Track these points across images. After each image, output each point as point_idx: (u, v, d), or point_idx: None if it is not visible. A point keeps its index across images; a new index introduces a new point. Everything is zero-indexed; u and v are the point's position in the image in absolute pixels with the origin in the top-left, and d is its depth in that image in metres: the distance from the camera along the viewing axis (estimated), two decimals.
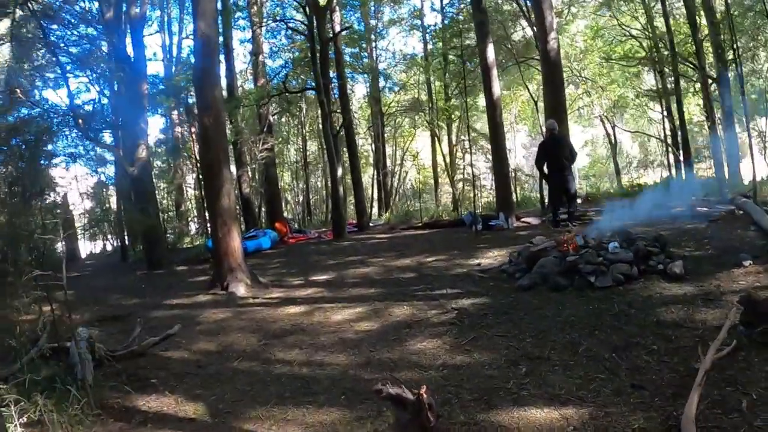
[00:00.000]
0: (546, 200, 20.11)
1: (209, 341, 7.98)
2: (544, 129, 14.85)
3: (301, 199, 38.17)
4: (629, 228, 10.29)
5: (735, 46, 15.56)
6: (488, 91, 16.41)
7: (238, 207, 26.94)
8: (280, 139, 35.82)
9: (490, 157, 29.05)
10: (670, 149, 27.09)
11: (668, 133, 27.31)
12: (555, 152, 13.86)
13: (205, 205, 16.61)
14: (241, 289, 11.13)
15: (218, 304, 10.42)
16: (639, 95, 29.41)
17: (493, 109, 16.40)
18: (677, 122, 23.80)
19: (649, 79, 30.95)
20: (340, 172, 19.89)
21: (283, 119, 36.48)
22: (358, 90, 38.14)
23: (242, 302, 10.38)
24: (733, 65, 22.36)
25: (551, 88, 16.86)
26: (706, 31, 21.38)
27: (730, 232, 10.38)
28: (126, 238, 25.22)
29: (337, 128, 21.24)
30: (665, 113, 27.52)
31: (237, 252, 11.69)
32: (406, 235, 17.99)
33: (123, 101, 19.03)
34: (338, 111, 22.45)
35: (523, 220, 16.45)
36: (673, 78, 24.78)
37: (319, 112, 22.28)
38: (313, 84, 20.08)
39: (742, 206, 12.84)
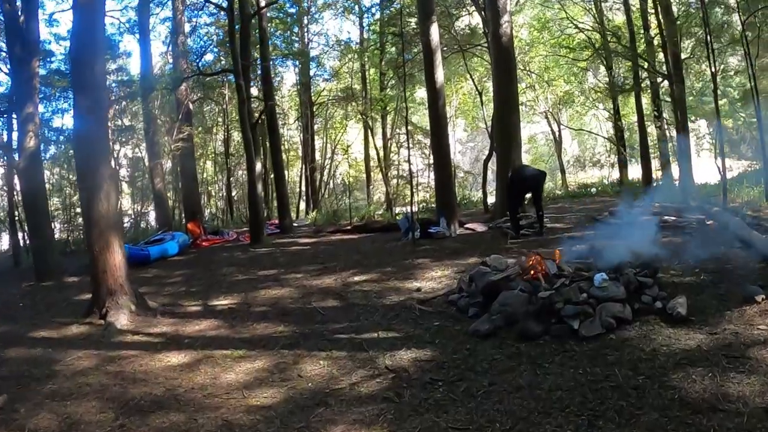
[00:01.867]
0: (490, 201, 18.19)
1: (52, 413, 5.47)
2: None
3: (224, 194, 35.36)
4: (599, 245, 8.50)
5: (709, 39, 13.83)
6: (430, 77, 14.29)
7: (150, 205, 24.49)
8: (200, 128, 33.02)
9: (427, 152, 27.21)
10: (621, 149, 25.57)
11: (619, 132, 25.88)
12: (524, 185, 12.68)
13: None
14: (122, 319, 8.64)
15: (89, 342, 7.88)
16: (591, 90, 27.81)
17: (435, 98, 14.31)
18: (634, 120, 22.27)
19: (594, 77, 29.59)
20: (258, 166, 17.45)
21: (208, 107, 33.67)
22: (289, 78, 35.66)
23: (118, 339, 7.90)
24: (685, 65, 21.09)
25: (503, 76, 14.87)
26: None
27: (715, 250, 8.61)
28: (21, 240, 22.24)
29: (257, 116, 18.71)
30: (613, 111, 26.07)
31: (118, 270, 9.16)
32: (333, 240, 15.80)
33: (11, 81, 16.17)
34: (261, 98, 19.97)
35: (467, 226, 14.41)
36: (621, 74, 23.45)
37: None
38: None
39: (718, 218, 11.36)
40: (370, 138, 30.18)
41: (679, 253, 8.66)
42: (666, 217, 12.21)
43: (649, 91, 22.79)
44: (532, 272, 7.10)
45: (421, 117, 34.68)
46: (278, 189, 19.88)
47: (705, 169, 23.88)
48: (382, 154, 29.08)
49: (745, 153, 29.19)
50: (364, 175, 32.06)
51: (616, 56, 22.62)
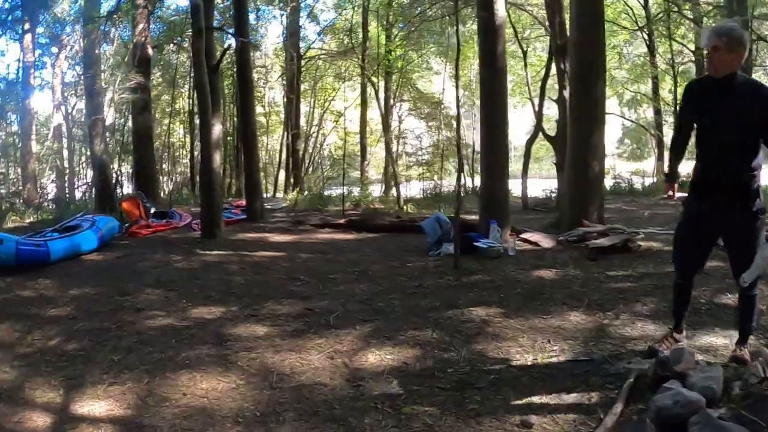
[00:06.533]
0: (531, 195, 13.26)
1: None
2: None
3: (188, 162, 29.90)
4: None
5: None
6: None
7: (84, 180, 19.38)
8: (162, 80, 27.68)
9: (431, 125, 22.55)
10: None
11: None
12: (726, 115, 4.15)
13: None
14: None
15: None
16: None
17: (493, 37, 9.29)
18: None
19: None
20: (218, 128, 12.27)
21: (180, 57, 28.15)
22: (274, 32, 30.64)
23: None
24: None
25: (587, 27, 10.23)
26: None
27: None
28: None
29: (219, 55, 13.31)
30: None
31: None
32: (318, 240, 10.90)
33: None
34: (228, 31, 14.61)
35: (525, 237, 9.47)
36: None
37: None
38: None
39: None
40: (374, 103, 24.73)
41: None
42: None
43: None
44: None
45: (426, 84, 29.82)
46: (247, 162, 14.71)
47: None
48: (381, 122, 23.71)
49: None
50: (357, 148, 26.47)
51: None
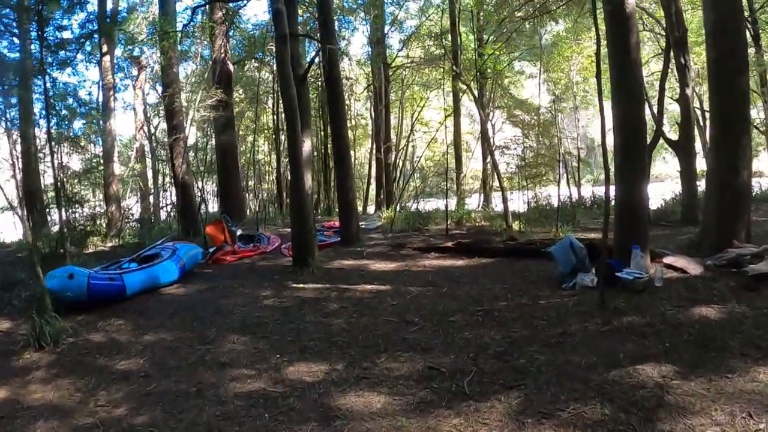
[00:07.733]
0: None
1: None
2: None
3: (275, 176, 29.24)
4: None
5: None
6: None
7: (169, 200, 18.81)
8: (244, 96, 27.14)
9: (529, 132, 21.01)
10: None
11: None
12: None
13: None
14: None
15: None
16: None
17: (624, 27, 7.86)
18: None
19: None
20: (307, 144, 11.32)
21: (263, 73, 27.62)
22: (357, 41, 29.75)
23: None
24: None
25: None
26: None
27: None
28: None
29: (307, 64, 12.37)
30: None
31: None
32: (426, 268, 9.75)
33: None
34: (314, 37, 13.61)
35: (669, 262, 7.96)
36: None
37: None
38: None
39: None
40: (464, 112, 23.47)
41: None
42: None
43: None
44: None
45: (518, 89, 28.25)
46: (340, 179, 13.60)
47: None
48: (473, 131, 22.42)
49: None
50: (450, 159, 25.00)
51: None
